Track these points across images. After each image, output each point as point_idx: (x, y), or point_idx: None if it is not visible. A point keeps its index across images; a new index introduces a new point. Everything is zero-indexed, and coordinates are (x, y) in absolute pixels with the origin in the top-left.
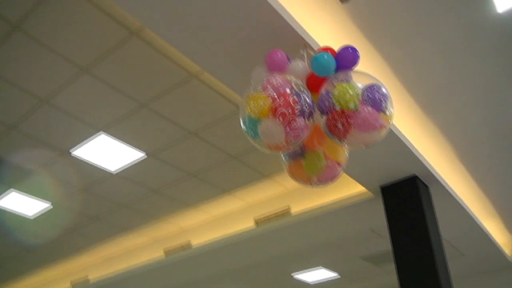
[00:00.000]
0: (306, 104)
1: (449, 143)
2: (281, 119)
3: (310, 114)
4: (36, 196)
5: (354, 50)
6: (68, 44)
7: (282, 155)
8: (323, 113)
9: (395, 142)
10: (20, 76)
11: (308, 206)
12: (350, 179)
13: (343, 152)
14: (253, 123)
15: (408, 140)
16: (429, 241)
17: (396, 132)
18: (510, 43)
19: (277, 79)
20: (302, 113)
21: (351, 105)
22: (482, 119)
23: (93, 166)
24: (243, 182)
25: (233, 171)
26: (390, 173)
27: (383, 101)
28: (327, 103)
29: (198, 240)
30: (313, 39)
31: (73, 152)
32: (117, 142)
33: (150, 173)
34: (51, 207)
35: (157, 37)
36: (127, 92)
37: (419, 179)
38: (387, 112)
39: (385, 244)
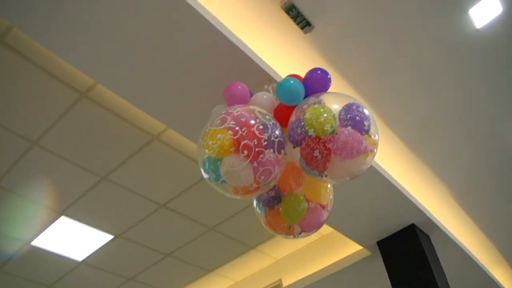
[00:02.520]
0: (275, 134)
1: (444, 185)
2: (245, 152)
3: (281, 146)
4: None
5: (323, 72)
6: (14, 116)
7: (255, 204)
8: (295, 144)
9: (386, 187)
10: None
11: (300, 276)
12: (342, 240)
13: (327, 191)
14: (213, 164)
15: (401, 185)
16: None
17: (386, 176)
18: (493, 59)
19: (237, 109)
20: (270, 144)
21: (327, 128)
22: (476, 153)
23: (57, 256)
24: (226, 257)
25: (213, 246)
26: (385, 224)
27: (365, 121)
28: (298, 130)
29: None
30: (278, 74)
31: (34, 243)
32: (79, 224)
33: (121, 258)
34: None
35: (108, 96)
36: (83, 164)
37: (418, 228)
38: (372, 135)
39: None
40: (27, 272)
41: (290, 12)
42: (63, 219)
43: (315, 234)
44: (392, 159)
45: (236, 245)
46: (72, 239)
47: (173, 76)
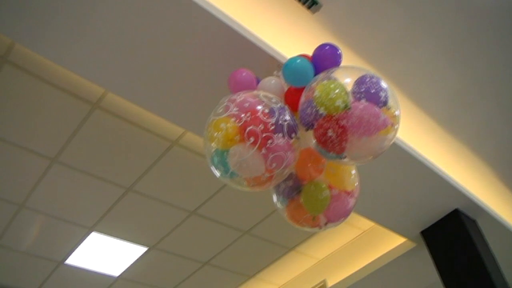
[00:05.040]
0: (283, 118)
1: (485, 164)
2: (252, 139)
3: (291, 130)
4: None
5: (332, 47)
6: (30, 135)
7: (276, 199)
8: (308, 126)
9: (424, 173)
10: None
11: (345, 274)
12: (385, 233)
13: (351, 177)
14: (221, 156)
15: (439, 168)
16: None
17: (422, 160)
18: None
19: (240, 95)
20: (279, 128)
21: (339, 103)
22: None
23: (94, 273)
24: (266, 261)
25: (250, 250)
26: (427, 212)
27: (381, 92)
28: (309, 111)
29: None
30: (287, 58)
31: (68, 262)
32: (111, 239)
33: (158, 270)
34: None
35: (120, 104)
36: (106, 177)
37: (462, 213)
38: (390, 108)
39: None
40: None
41: None
42: (94, 235)
43: (356, 230)
44: (425, 141)
45: (274, 248)
46: (106, 254)
47: (181, 75)
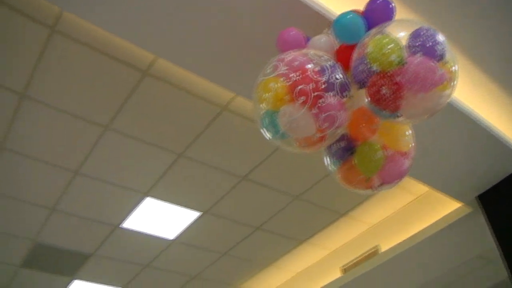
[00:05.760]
0: (334, 76)
1: None
2: (302, 99)
3: (344, 88)
4: (100, 282)
5: (385, 0)
6: (83, 103)
7: (328, 162)
8: (360, 84)
9: (482, 135)
10: (45, 150)
11: (398, 240)
12: (439, 199)
13: (405, 136)
14: (271, 117)
15: (497, 131)
16: None
17: (480, 122)
18: None
19: (290, 54)
20: (330, 87)
21: (394, 58)
22: None
23: (149, 236)
24: (317, 226)
25: (301, 215)
26: (483, 176)
27: (438, 45)
28: (361, 68)
29: None
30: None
31: (124, 225)
32: (165, 204)
33: (212, 234)
34: None
35: (169, 70)
36: (158, 143)
37: None
38: (448, 62)
39: (501, 273)
40: (121, 254)
41: None
42: (148, 200)
43: (410, 195)
44: (482, 102)
45: (325, 213)
46: (160, 218)
47: (229, 38)
